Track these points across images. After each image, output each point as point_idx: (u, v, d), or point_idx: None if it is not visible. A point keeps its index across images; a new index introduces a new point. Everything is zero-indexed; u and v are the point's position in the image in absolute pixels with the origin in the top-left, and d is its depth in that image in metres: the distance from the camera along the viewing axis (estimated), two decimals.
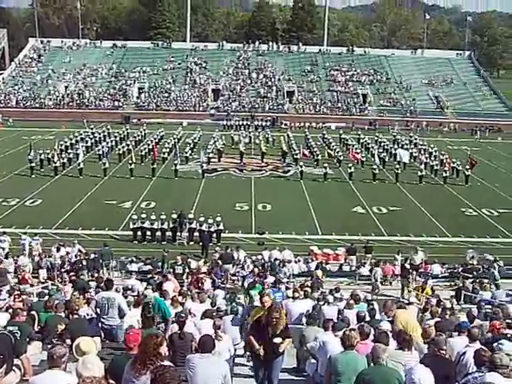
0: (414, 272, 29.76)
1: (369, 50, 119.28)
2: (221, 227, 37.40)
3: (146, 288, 21.47)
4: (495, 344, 10.36)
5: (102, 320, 15.01)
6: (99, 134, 70.52)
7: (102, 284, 18.26)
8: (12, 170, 54.75)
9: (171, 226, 37.51)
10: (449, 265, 32.30)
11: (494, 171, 61.34)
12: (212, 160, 60.41)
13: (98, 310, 15.10)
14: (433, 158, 60.91)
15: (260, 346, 11.43)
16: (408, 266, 29.42)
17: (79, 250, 31.81)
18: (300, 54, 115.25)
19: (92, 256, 30.56)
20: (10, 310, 14.63)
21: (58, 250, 31.49)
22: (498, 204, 48.08)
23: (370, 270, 30.94)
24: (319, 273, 28.24)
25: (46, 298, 17.98)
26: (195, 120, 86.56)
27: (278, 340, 11.31)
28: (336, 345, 10.56)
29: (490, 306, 21.42)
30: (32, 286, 26.21)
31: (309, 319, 14.53)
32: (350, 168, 55.34)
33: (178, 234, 37.99)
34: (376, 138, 72.47)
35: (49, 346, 10.64)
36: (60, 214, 41.77)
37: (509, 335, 12.17)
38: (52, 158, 55.63)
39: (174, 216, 37.84)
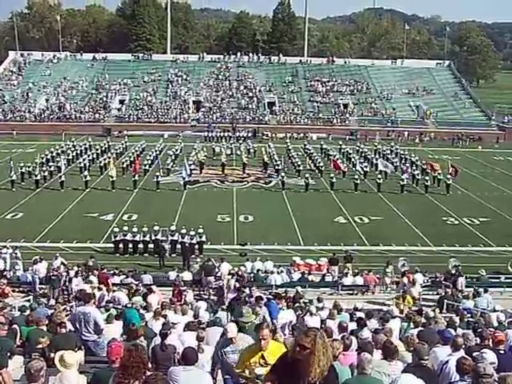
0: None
1: (349, 61, 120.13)
2: (203, 239, 37.31)
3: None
4: (477, 353, 10.36)
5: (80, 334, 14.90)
6: (80, 146, 70.27)
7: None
8: None
9: (154, 238, 37.34)
10: (431, 274, 32.35)
11: (475, 180, 61.66)
12: (193, 172, 60.31)
13: (77, 324, 14.95)
14: (414, 168, 61.15)
15: None
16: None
17: (62, 263, 31.59)
18: (280, 64, 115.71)
19: (76, 268, 30.40)
20: None
21: (40, 261, 31.29)
22: (479, 213, 48.27)
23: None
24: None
25: (28, 311, 17.85)
26: (176, 132, 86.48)
27: None
28: None
29: (470, 315, 21.52)
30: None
31: (293, 330, 14.48)
32: (331, 178, 55.45)
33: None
34: (357, 148, 72.71)
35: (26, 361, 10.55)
36: (41, 227, 41.53)
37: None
38: (33, 171, 55.41)
39: (158, 235, 37.58)
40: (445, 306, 25.56)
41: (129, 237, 37.38)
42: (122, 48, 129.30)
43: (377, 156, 68.15)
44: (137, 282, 27.54)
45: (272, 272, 31.17)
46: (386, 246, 39.31)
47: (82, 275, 28.98)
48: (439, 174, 57.49)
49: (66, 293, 27.21)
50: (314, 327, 6.71)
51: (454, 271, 32.06)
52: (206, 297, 28.38)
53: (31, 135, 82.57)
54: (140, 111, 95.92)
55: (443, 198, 53.46)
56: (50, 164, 59.89)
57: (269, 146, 73.16)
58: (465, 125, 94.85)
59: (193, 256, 35.89)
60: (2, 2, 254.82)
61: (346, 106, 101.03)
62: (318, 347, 6.15)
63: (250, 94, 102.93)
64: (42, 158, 61.15)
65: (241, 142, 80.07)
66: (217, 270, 31.22)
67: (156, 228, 37.60)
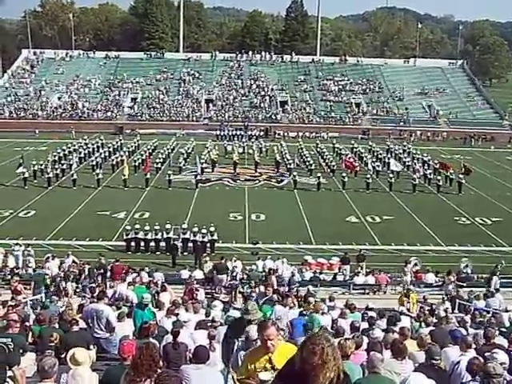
0: None
1: (362, 60, 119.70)
2: (215, 237, 37.33)
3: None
4: (488, 353, 10.33)
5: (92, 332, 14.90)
6: (92, 144, 70.43)
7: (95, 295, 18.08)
8: (5, 182, 54.57)
9: (166, 237, 37.32)
10: (442, 274, 32.24)
11: (487, 180, 61.44)
12: (206, 170, 60.35)
13: (89, 322, 14.95)
14: (426, 167, 60.99)
15: None
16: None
17: (73, 261, 31.65)
18: (293, 63, 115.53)
19: (87, 267, 30.46)
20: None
21: (53, 259, 31.40)
22: (491, 213, 48.10)
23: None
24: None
25: (39, 309, 17.90)
26: (188, 130, 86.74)
27: None
28: None
29: (480, 314, 21.43)
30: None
31: (304, 329, 14.42)
32: (343, 177, 55.31)
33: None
34: (369, 148, 72.54)
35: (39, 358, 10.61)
36: (53, 225, 41.63)
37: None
38: (45, 168, 55.53)
39: (170, 233, 37.59)
40: (456, 306, 25.52)
41: (141, 235, 37.39)
42: (134, 46, 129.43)
43: (389, 155, 67.98)
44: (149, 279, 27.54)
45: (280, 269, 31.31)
46: (397, 246, 39.22)
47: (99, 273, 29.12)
48: (451, 173, 57.26)
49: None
50: (318, 336, 5.45)
51: (465, 271, 32.03)
52: (218, 295, 28.39)
53: (44, 133, 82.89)
54: (152, 109, 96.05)
55: (455, 197, 53.27)
56: (63, 162, 60.01)
57: (281, 144, 73.05)
58: (477, 124, 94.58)
59: (204, 254, 35.89)
60: (15, 0, 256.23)
61: (358, 105, 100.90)
62: (327, 358, 5.28)
63: (263, 93, 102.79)
64: (55, 156, 61.37)
65: (253, 140, 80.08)
66: (231, 268, 31.29)
67: (168, 226, 37.62)
